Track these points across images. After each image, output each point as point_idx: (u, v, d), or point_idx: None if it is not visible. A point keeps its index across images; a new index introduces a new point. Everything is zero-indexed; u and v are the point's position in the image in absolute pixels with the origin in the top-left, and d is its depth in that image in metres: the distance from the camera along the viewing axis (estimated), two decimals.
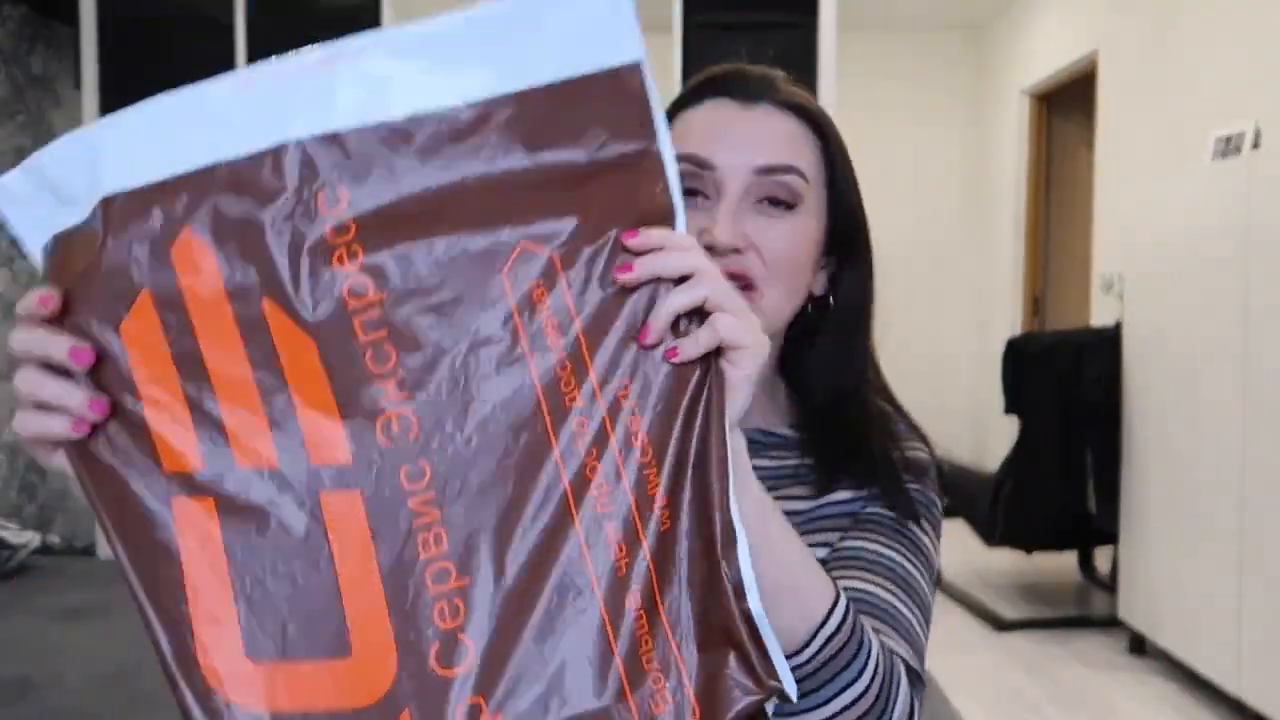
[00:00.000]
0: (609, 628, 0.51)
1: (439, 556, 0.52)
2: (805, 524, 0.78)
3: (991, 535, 3.64)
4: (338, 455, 0.52)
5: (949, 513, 0.83)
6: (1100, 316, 4.22)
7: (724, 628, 0.52)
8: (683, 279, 0.55)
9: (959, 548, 4.31)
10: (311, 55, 0.57)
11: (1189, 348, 2.92)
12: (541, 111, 0.55)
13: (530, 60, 0.55)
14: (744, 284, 0.73)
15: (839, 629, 0.62)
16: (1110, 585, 3.66)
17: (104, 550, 3.12)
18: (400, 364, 0.52)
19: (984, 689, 3.03)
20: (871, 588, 0.72)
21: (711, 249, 0.70)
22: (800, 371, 0.83)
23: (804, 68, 3.16)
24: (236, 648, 0.51)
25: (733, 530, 0.53)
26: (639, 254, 0.55)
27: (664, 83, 3.26)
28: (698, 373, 0.55)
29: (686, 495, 0.54)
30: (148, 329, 0.52)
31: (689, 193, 0.74)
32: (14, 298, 3.45)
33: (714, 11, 3.14)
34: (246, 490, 0.52)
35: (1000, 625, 3.58)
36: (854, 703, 0.62)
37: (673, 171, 0.57)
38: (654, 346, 0.54)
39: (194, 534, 0.52)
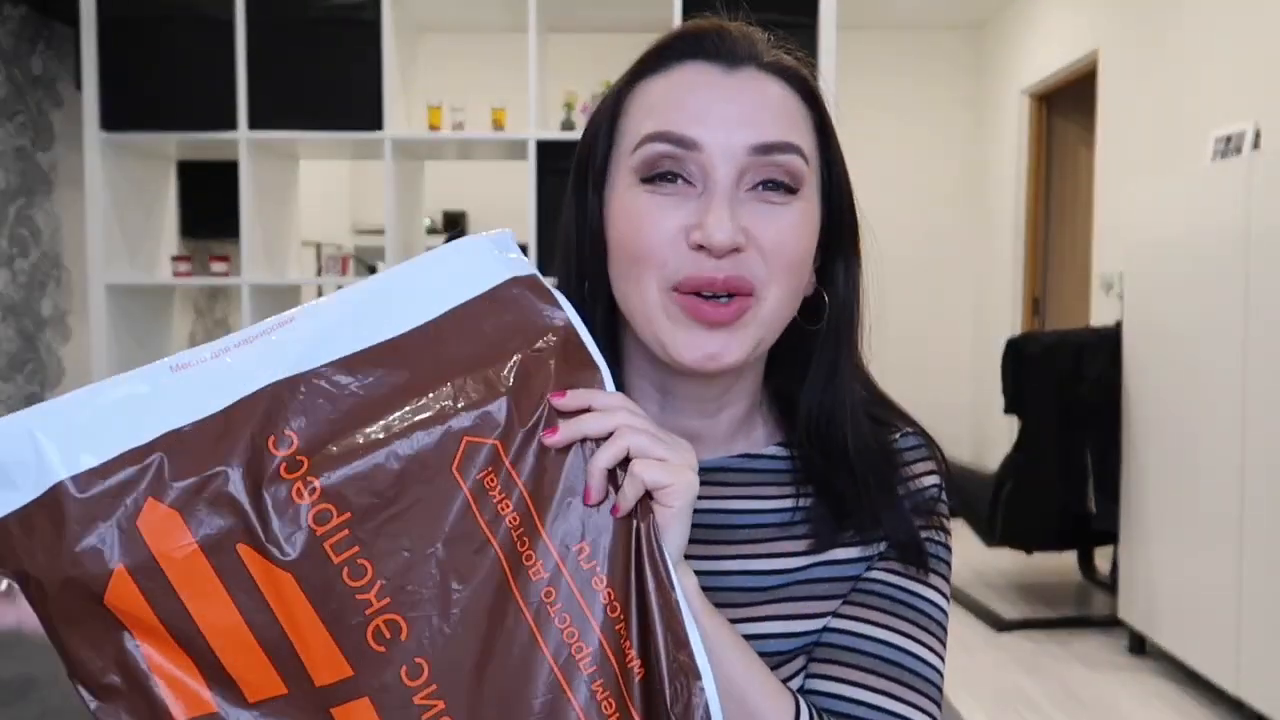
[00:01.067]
0: None
1: None
2: (798, 583, 0.70)
3: (991, 535, 3.64)
4: (340, 671, 0.55)
5: (949, 513, 0.78)
6: (1100, 316, 4.22)
7: None
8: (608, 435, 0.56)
9: (959, 548, 4.31)
10: (235, 338, 0.60)
11: (1189, 348, 2.92)
12: (457, 329, 0.60)
13: (434, 299, 0.61)
14: (744, 291, 0.63)
15: None
16: (1110, 585, 3.66)
17: None
18: (377, 575, 0.55)
19: (984, 689, 3.03)
20: (873, 696, 0.65)
21: (704, 249, 0.61)
22: (787, 381, 0.73)
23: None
24: None
25: (696, 668, 0.55)
26: (567, 414, 0.57)
27: None
28: (634, 521, 0.57)
29: (655, 639, 0.56)
30: (132, 602, 0.54)
31: (667, 175, 0.63)
32: (14, 298, 3.45)
33: (714, 12, 3.13)
34: (268, 717, 0.55)
35: (1000, 625, 3.58)
36: None
37: (586, 336, 0.60)
38: (599, 504, 0.57)
39: None
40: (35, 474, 0.55)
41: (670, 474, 0.56)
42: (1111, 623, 3.48)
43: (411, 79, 3.47)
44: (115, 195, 3.23)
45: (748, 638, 0.65)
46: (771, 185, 0.64)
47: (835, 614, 0.69)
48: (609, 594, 0.57)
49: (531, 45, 3.23)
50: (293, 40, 3.11)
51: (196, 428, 0.56)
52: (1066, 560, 4.22)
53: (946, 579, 0.72)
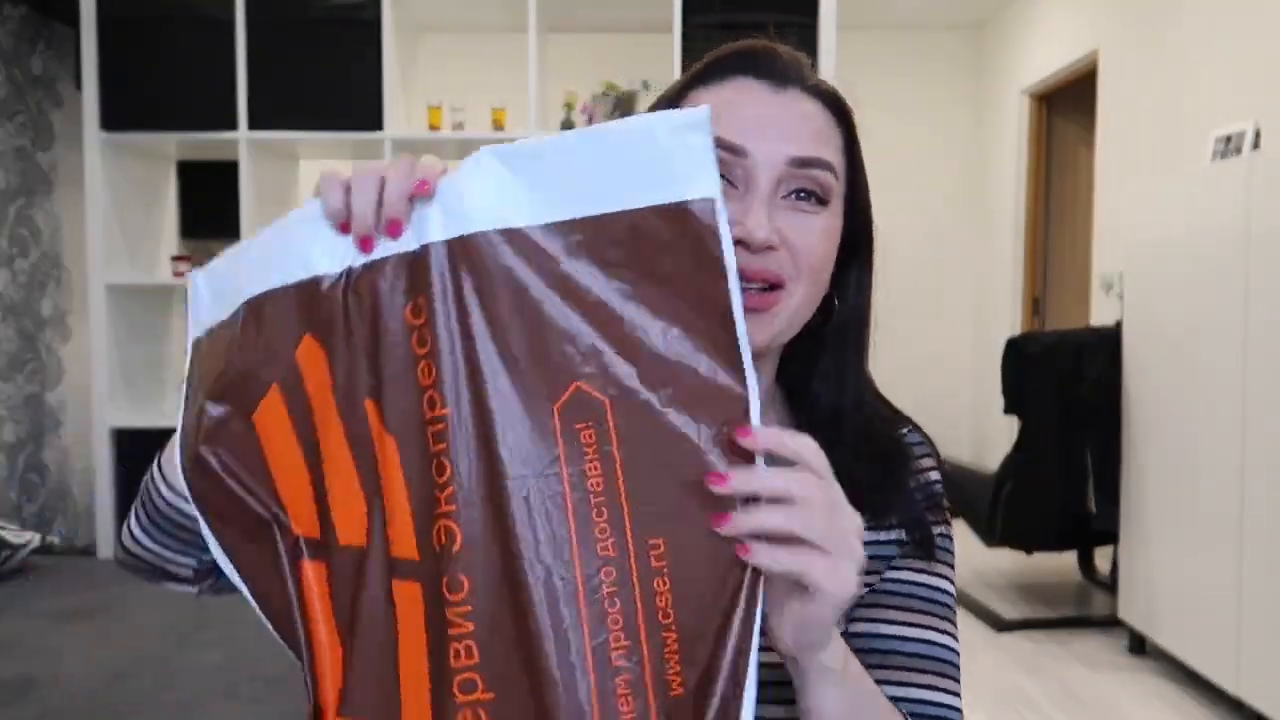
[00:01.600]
0: None
1: (469, 667, 0.56)
2: None
3: (991, 535, 3.64)
4: (409, 550, 0.58)
5: (949, 513, 0.83)
6: (1100, 316, 4.22)
7: None
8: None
9: (959, 548, 4.31)
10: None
11: (1189, 348, 2.92)
12: (616, 239, 0.58)
13: (612, 187, 0.59)
14: (775, 283, 0.69)
15: None
16: (1110, 585, 3.66)
17: (104, 550, 3.12)
18: (453, 479, 0.57)
19: (984, 689, 3.03)
20: (920, 692, 0.73)
21: (743, 243, 0.67)
22: (798, 378, 0.79)
23: None
24: (334, 704, 0.60)
25: (739, 708, 0.55)
26: (740, 453, 0.56)
27: (664, 82, 3.26)
28: (747, 577, 0.55)
29: (713, 674, 0.55)
30: (278, 418, 0.61)
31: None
32: (14, 297, 3.44)
33: (714, 11, 3.14)
34: (345, 565, 0.60)
35: (1000, 625, 3.58)
36: None
37: (739, 314, 0.58)
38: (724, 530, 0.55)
39: (316, 592, 0.61)
40: (233, 294, 0.64)
41: (836, 582, 0.55)
42: (1111, 623, 3.48)
43: (411, 79, 3.48)
44: (115, 195, 3.23)
45: None
46: (804, 195, 0.71)
47: (870, 618, 0.75)
48: (668, 599, 0.55)
49: (531, 45, 3.23)
50: (293, 40, 3.11)
51: (365, 271, 0.60)
52: (1066, 560, 4.22)
53: (953, 566, 0.79)
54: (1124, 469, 3.30)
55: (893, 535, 0.77)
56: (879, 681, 0.72)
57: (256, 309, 0.62)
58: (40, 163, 3.59)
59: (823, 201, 0.72)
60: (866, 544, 0.73)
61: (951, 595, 0.78)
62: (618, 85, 3.49)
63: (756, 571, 0.55)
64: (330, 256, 0.61)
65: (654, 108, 0.74)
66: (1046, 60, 5.03)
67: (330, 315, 0.60)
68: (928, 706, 0.73)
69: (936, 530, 0.78)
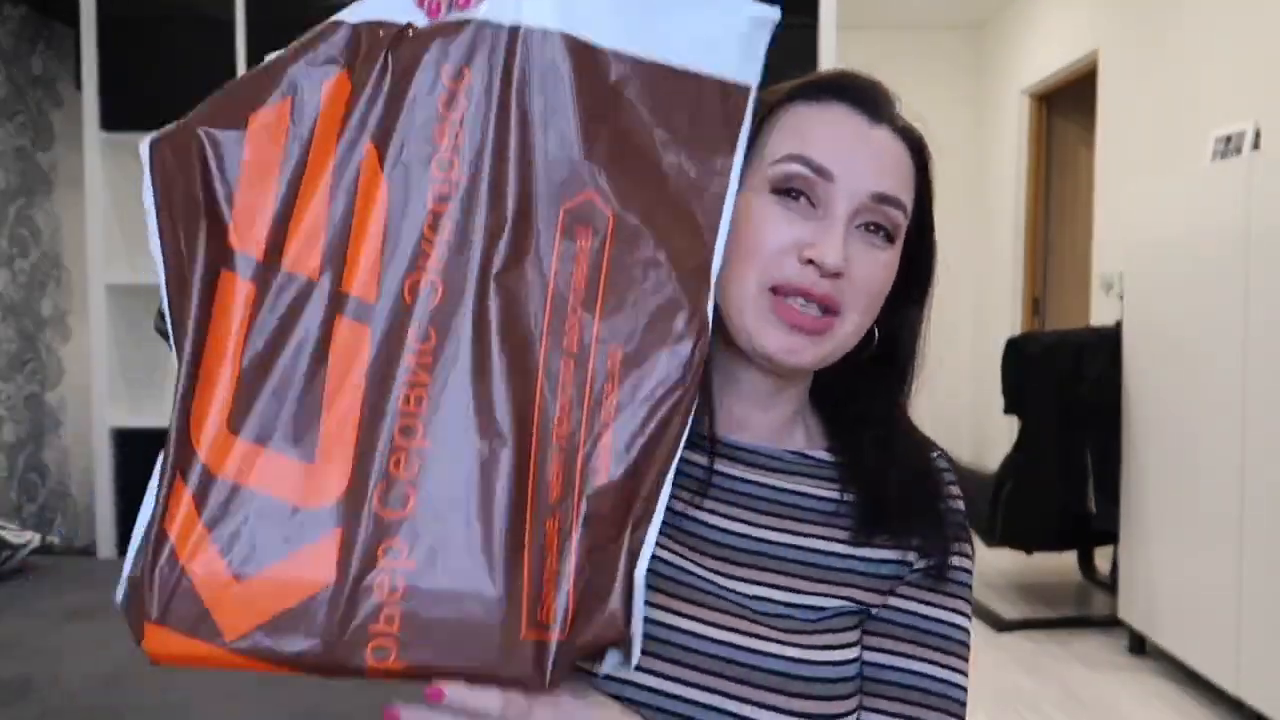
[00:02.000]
0: (530, 525, 0.58)
1: (413, 414, 0.58)
2: (838, 571, 0.75)
3: (991, 535, 3.64)
4: (367, 292, 0.59)
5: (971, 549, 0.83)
6: (1100, 316, 4.22)
7: (609, 578, 0.58)
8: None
9: None
10: None
11: (1189, 348, 2.92)
12: (664, 88, 0.64)
13: (680, 41, 0.64)
14: (833, 309, 0.72)
15: None
16: (1110, 585, 3.66)
17: (104, 550, 3.12)
18: (449, 239, 0.60)
19: (984, 689, 3.03)
20: None
21: (815, 264, 0.70)
22: (839, 398, 0.82)
23: (804, 68, 3.16)
24: (223, 416, 0.58)
25: (654, 509, 0.59)
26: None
27: None
28: (685, 389, 0.62)
29: (629, 462, 0.60)
30: (274, 127, 0.62)
31: (794, 193, 0.73)
32: (14, 297, 3.44)
33: None
34: (281, 289, 0.60)
35: (1000, 625, 3.58)
36: None
37: (728, 209, 0.64)
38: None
39: (225, 307, 0.60)
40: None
41: None
42: (1111, 623, 3.48)
43: None
44: (115, 195, 3.23)
45: (778, 602, 0.72)
46: (875, 228, 0.74)
47: (873, 647, 0.75)
48: (613, 403, 0.60)
49: None
50: (293, 40, 3.11)
51: (430, 30, 0.62)
52: (1066, 560, 4.22)
53: (969, 601, 0.79)
54: (1124, 469, 3.30)
55: (908, 557, 0.76)
56: (873, 710, 0.72)
57: (325, 33, 0.64)
58: (40, 163, 3.59)
59: (891, 239, 0.75)
60: (876, 562, 0.76)
61: (964, 630, 0.76)
62: None
63: (691, 404, 0.61)
64: (404, 12, 0.63)
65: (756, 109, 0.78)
66: (1046, 60, 5.03)
67: (371, 57, 0.62)
68: None
69: (957, 561, 0.77)
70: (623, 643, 0.58)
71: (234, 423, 0.58)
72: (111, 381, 3.15)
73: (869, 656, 0.74)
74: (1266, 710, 2.54)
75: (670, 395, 0.61)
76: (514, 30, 0.62)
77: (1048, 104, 5.26)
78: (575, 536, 0.58)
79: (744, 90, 0.65)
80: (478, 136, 0.61)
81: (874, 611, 0.75)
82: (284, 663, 0.55)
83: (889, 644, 0.74)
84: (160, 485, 0.59)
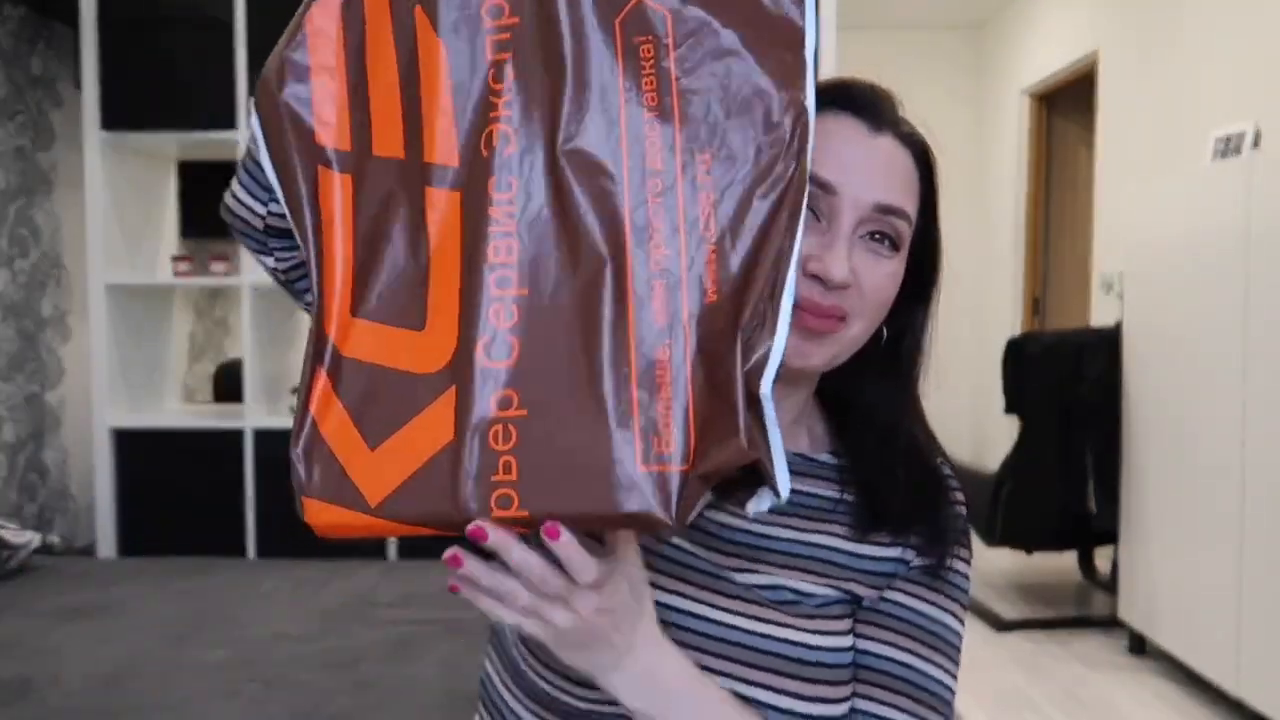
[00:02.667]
0: (634, 358, 0.57)
1: (506, 265, 0.58)
2: (837, 566, 0.76)
3: (991, 535, 3.64)
4: (449, 158, 0.60)
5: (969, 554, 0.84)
6: (1100, 316, 4.22)
7: (728, 398, 0.56)
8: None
9: None
10: None
11: (1189, 348, 2.92)
12: None
13: None
14: (839, 316, 0.72)
15: None
16: (1110, 585, 3.66)
17: (104, 550, 3.12)
18: (513, 86, 0.59)
19: (984, 689, 3.03)
20: (896, 714, 0.72)
21: (819, 278, 0.70)
22: (847, 401, 0.83)
23: None
24: (345, 303, 0.60)
25: (773, 322, 0.57)
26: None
27: None
28: (790, 191, 0.59)
29: (736, 273, 0.58)
30: (329, 18, 0.63)
31: None
32: (14, 297, 3.44)
33: None
34: (377, 175, 0.61)
35: (1000, 625, 3.58)
36: None
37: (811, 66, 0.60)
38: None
39: (330, 203, 0.61)
40: None
41: (545, 630, 0.60)
42: (1111, 623, 3.48)
43: None
44: (115, 195, 3.23)
45: (780, 588, 0.73)
46: (880, 237, 0.74)
47: (863, 635, 0.75)
48: (711, 213, 0.58)
49: None
50: None
51: None
52: (1066, 560, 4.22)
53: (965, 605, 0.79)
54: (1124, 469, 3.30)
55: (906, 555, 0.77)
56: (859, 696, 0.73)
57: None
58: (40, 163, 3.59)
59: (895, 247, 0.75)
60: (876, 559, 0.77)
61: (955, 633, 0.76)
62: None
63: (800, 187, 0.59)
64: None
65: None
66: (1046, 60, 5.03)
67: None
68: None
69: (956, 565, 0.78)
70: (759, 469, 0.56)
71: (354, 307, 0.60)
72: (111, 381, 3.15)
73: (860, 645, 0.75)
74: (1266, 710, 2.53)
75: (771, 188, 0.58)
76: None
77: (1048, 104, 5.26)
78: (688, 362, 0.57)
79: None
80: None
81: (866, 602, 0.76)
82: (420, 523, 0.57)
83: (881, 634, 0.75)
84: (304, 372, 0.61)
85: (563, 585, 0.58)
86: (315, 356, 0.60)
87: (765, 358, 0.56)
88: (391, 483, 0.57)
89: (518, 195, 0.58)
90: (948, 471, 0.82)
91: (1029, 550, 3.87)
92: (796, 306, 0.70)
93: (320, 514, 0.58)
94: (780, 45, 0.59)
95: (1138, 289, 3.23)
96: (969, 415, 5.80)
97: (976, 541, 3.76)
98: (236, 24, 3.09)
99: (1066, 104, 5.14)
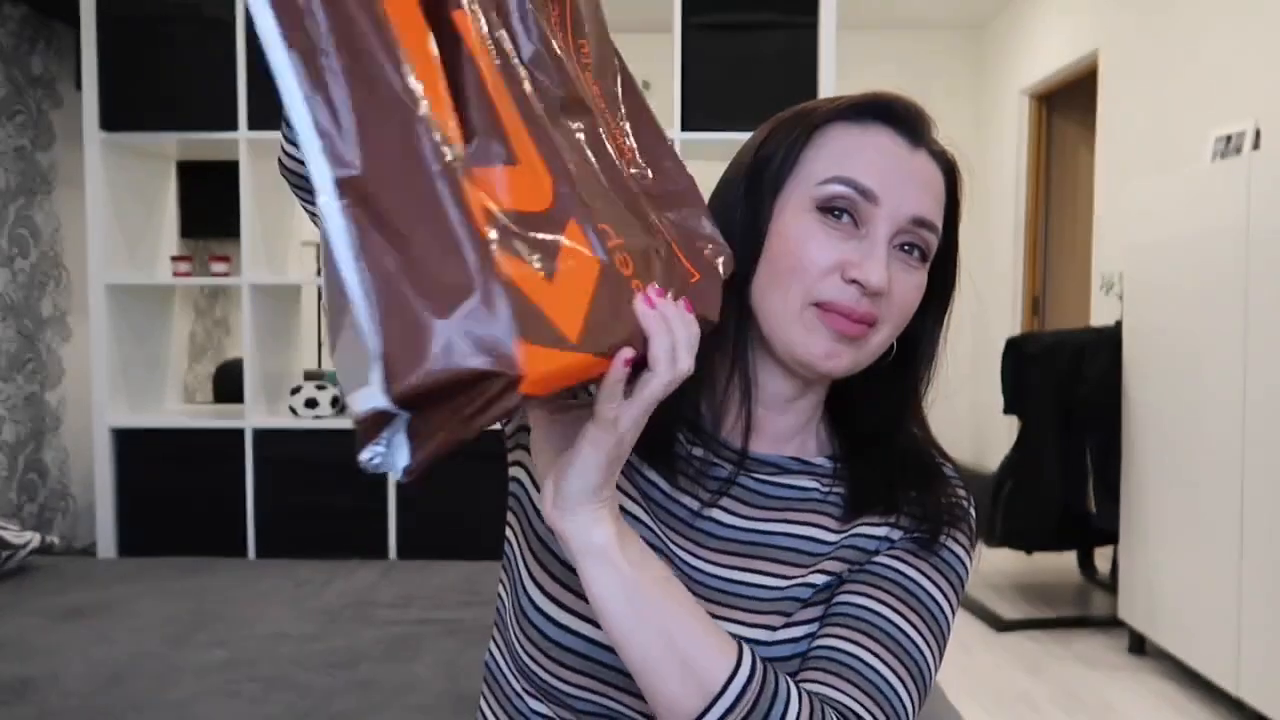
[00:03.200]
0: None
1: (544, 97, 0.60)
2: (830, 555, 0.78)
3: (991, 535, 3.64)
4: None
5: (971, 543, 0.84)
6: (1100, 316, 4.22)
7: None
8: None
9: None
10: None
11: (1189, 348, 2.92)
12: None
13: None
14: (870, 321, 0.75)
15: (738, 700, 0.62)
16: (1110, 585, 3.66)
17: (104, 550, 3.12)
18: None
19: (984, 689, 3.03)
20: (866, 655, 0.70)
21: (859, 283, 0.73)
22: (849, 405, 0.85)
23: (804, 68, 3.16)
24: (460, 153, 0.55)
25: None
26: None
27: (664, 82, 3.22)
28: None
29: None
30: None
31: (837, 211, 0.75)
32: (14, 297, 3.45)
33: (714, 11, 3.14)
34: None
35: (1000, 625, 3.58)
36: None
37: None
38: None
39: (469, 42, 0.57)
40: None
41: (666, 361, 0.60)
42: (1111, 623, 3.48)
43: None
44: (115, 195, 3.23)
45: (755, 585, 0.76)
46: (910, 248, 0.77)
47: (845, 587, 0.76)
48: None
49: None
50: None
51: None
52: (1066, 560, 4.22)
53: (956, 592, 0.78)
54: (1124, 469, 3.30)
55: (894, 534, 0.79)
56: (829, 637, 0.72)
57: None
58: (40, 163, 3.59)
59: (924, 259, 0.78)
60: (864, 538, 0.78)
61: (937, 604, 0.75)
62: None
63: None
64: None
65: (788, 123, 0.80)
66: (1046, 60, 5.03)
67: None
68: (863, 667, 0.70)
69: (950, 545, 0.78)
70: None
71: (466, 159, 0.55)
72: (111, 381, 3.15)
73: (847, 597, 0.75)
74: (1266, 710, 2.53)
75: None
76: None
77: (1048, 104, 5.26)
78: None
79: None
80: None
81: (846, 573, 0.77)
82: (614, 350, 0.56)
83: (856, 586, 0.75)
84: (471, 238, 0.55)
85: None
86: (467, 215, 0.54)
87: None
88: (579, 313, 0.54)
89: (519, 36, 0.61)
90: (951, 472, 0.84)
91: (1029, 550, 3.87)
92: (832, 310, 0.74)
93: (540, 361, 0.52)
94: None
95: (1138, 289, 3.23)
96: (969, 415, 5.80)
97: (977, 541, 3.77)
98: (236, 24, 3.09)
99: (1066, 104, 5.14)
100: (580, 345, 0.54)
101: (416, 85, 0.53)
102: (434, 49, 0.55)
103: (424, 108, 0.53)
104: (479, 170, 0.54)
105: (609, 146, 0.65)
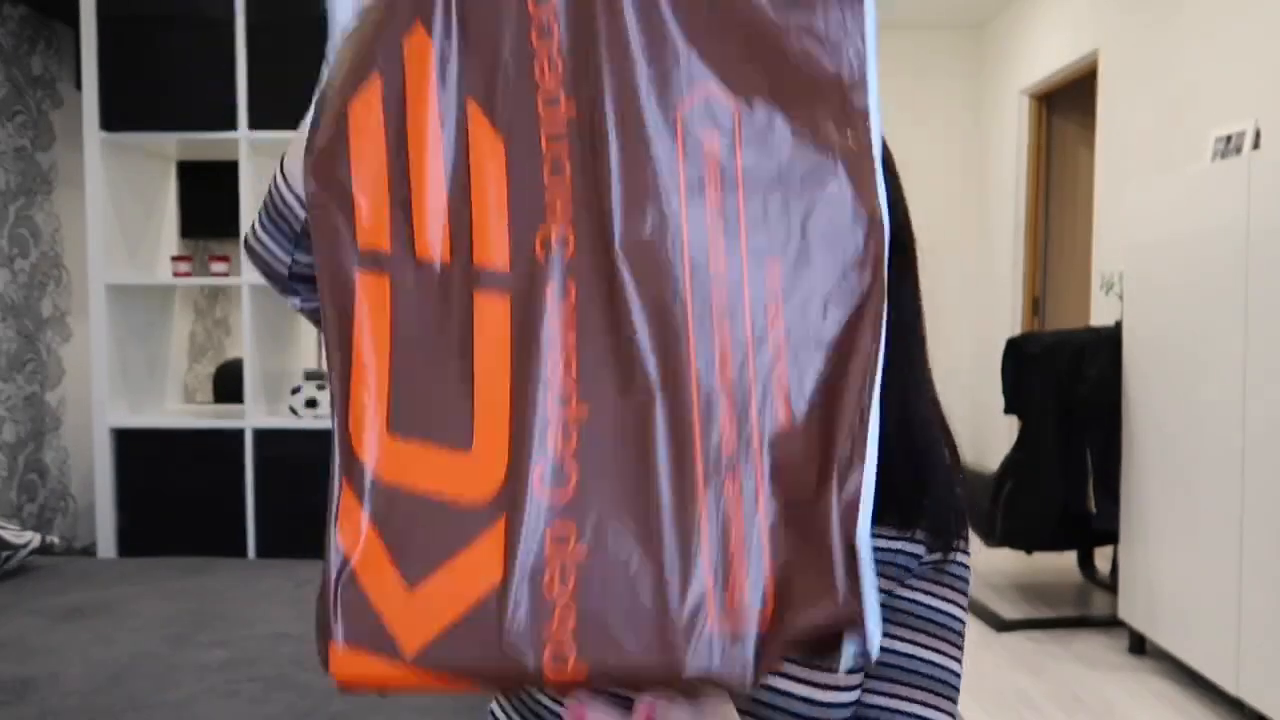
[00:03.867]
0: (702, 490, 0.50)
1: (564, 381, 0.52)
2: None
3: (991, 535, 3.64)
4: (497, 260, 0.54)
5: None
6: (1100, 316, 4.22)
7: (820, 544, 0.50)
8: None
9: None
10: None
11: (1189, 348, 2.92)
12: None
13: None
14: None
15: None
16: (1110, 585, 3.66)
17: (104, 550, 3.12)
18: (570, 181, 0.54)
19: (984, 689, 3.03)
20: (910, 706, 0.74)
21: None
22: None
23: None
24: (381, 418, 0.54)
25: (863, 449, 0.50)
26: None
27: None
28: (872, 300, 0.53)
29: (813, 392, 0.51)
30: (371, 111, 0.55)
31: None
32: (14, 297, 3.44)
33: None
34: (418, 278, 0.55)
35: (1000, 625, 3.58)
36: None
37: (873, 59, 0.56)
38: None
39: (369, 307, 0.55)
40: None
41: None
42: (1111, 623, 3.48)
43: None
44: (115, 195, 3.23)
45: None
46: None
47: (885, 633, 0.76)
48: (781, 324, 0.53)
49: None
50: (293, 40, 3.11)
51: None
52: (1066, 560, 4.21)
53: (965, 594, 0.81)
54: (1124, 469, 3.30)
55: (916, 549, 0.78)
56: (876, 693, 0.75)
57: None
58: (40, 163, 3.59)
59: None
60: (886, 551, 0.77)
61: (961, 622, 0.79)
62: None
63: (880, 300, 0.53)
64: None
65: None
66: (1046, 60, 5.03)
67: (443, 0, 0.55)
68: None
69: (958, 557, 0.79)
70: (855, 626, 0.49)
71: (391, 422, 0.54)
72: (111, 381, 3.15)
73: (884, 643, 0.76)
74: (1266, 710, 2.53)
75: (846, 298, 0.52)
76: None
77: (1048, 104, 5.26)
78: (762, 496, 0.50)
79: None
80: (577, 60, 0.54)
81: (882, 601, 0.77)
82: (463, 676, 0.51)
83: (897, 630, 0.76)
84: (332, 495, 0.54)
85: None
86: (346, 479, 0.53)
87: (857, 494, 0.50)
88: (431, 629, 0.51)
89: (578, 304, 0.53)
90: (949, 459, 0.82)
91: (1029, 550, 3.87)
92: None
93: (349, 664, 0.52)
94: (841, 137, 0.55)
95: (1138, 289, 3.23)
96: (969, 415, 5.81)
97: (976, 541, 3.77)
98: (236, 24, 3.09)
99: (1066, 104, 5.14)
100: (416, 660, 0.51)
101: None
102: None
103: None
104: (406, 443, 0.53)
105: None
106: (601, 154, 0.53)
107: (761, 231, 0.53)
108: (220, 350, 4.71)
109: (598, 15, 0.54)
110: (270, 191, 0.69)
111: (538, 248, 0.53)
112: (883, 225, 0.53)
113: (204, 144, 3.25)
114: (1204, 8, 3.66)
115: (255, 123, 3.13)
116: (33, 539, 2.44)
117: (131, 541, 3.12)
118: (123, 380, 3.23)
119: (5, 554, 2.35)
